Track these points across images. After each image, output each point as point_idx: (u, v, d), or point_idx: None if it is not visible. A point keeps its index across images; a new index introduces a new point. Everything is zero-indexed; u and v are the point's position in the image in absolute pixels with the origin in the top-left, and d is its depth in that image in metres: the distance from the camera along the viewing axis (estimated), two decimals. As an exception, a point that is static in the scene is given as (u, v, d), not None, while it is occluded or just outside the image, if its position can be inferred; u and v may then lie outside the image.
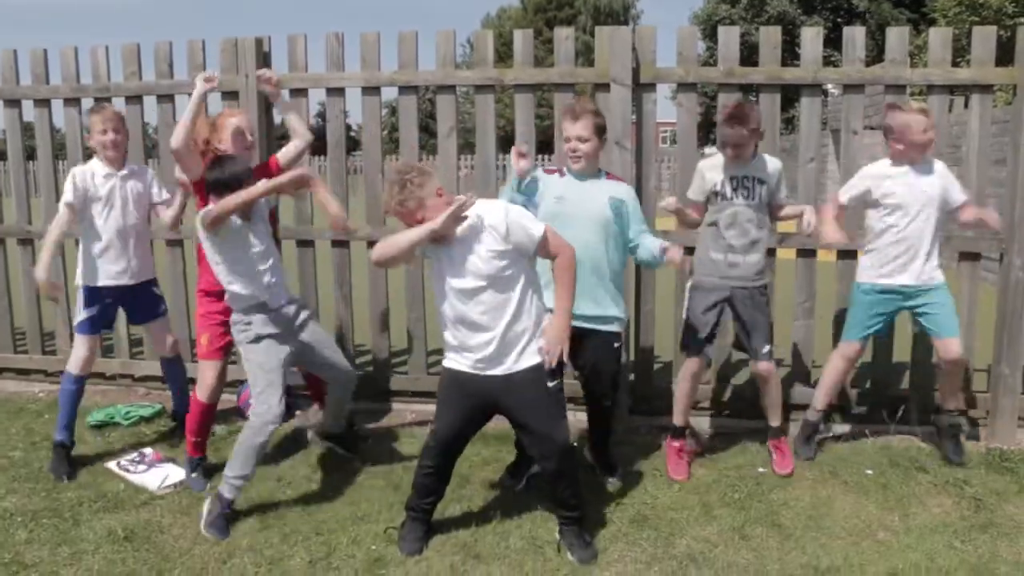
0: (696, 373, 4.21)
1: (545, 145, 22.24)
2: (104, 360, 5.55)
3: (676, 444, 4.24)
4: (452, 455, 3.51)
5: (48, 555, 3.43)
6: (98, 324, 4.41)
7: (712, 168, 4.09)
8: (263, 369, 3.72)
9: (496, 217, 3.23)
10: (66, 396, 4.32)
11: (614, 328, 3.86)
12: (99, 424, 4.83)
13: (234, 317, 3.77)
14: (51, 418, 4.99)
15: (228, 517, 3.63)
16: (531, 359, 3.31)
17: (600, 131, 3.76)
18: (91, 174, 4.30)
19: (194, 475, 4.10)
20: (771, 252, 4.54)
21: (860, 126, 4.60)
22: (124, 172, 4.38)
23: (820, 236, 4.19)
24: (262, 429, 3.66)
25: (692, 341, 4.16)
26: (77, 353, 4.36)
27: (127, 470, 4.19)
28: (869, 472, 4.19)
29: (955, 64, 4.52)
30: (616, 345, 3.89)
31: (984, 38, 4.44)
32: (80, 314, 4.36)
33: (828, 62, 4.84)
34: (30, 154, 6.01)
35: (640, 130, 4.75)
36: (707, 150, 23.21)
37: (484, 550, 3.45)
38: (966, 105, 4.99)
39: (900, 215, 4.12)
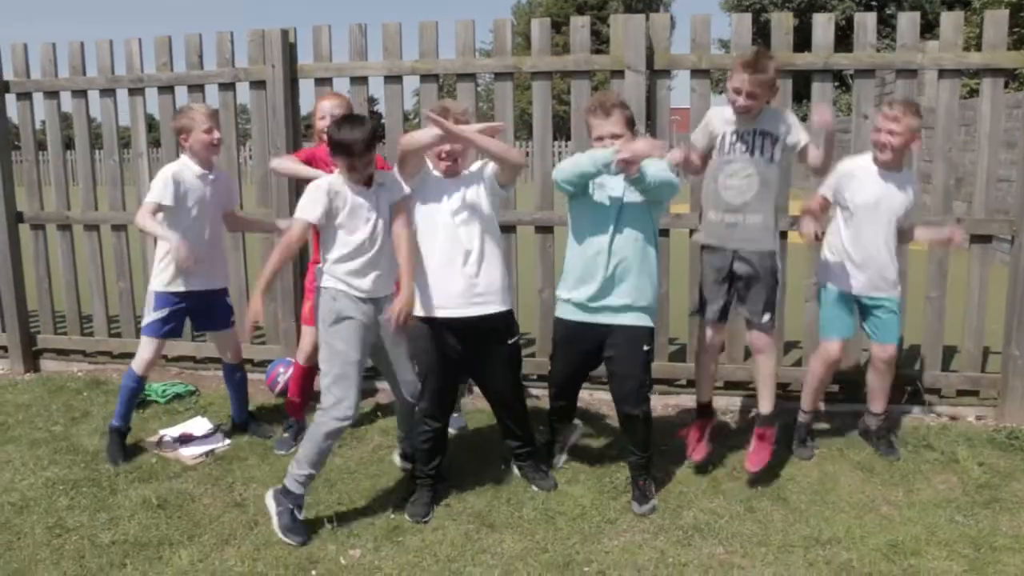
0: (710, 344, 4.02)
1: (560, 131, 22.34)
2: (138, 340, 5.76)
3: (698, 423, 4.16)
4: (446, 413, 3.78)
5: (88, 520, 3.64)
6: (166, 329, 4.28)
7: (720, 118, 3.89)
8: (340, 358, 3.45)
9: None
10: (126, 392, 4.33)
11: (635, 321, 3.66)
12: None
13: (322, 291, 3.54)
14: (89, 395, 5.27)
15: (298, 519, 3.48)
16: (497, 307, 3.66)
17: (631, 124, 3.65)
18: (187, 174, 4.16)
19: (286, 435, 4.45)
20: (782, 235, 4.61)
21: (871, 110, 4.66)
22: (213, 175, 4.28)
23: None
24: (331, 427, 3.45)
25: (701, 305, 4.02)
26: (141, 354, 4.29)
27: (165, 450, 4.41)
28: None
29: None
30: (646, 348, 3.69)
31: (996, 22, 4.47)
32: (149, 316, 4.27)
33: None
34: (68, 144, 6.24)
35: (654, 116, 4.85)
36: None
37: (498, 519, 3.61)
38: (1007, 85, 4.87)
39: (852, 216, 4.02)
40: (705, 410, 4.22)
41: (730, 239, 3.87)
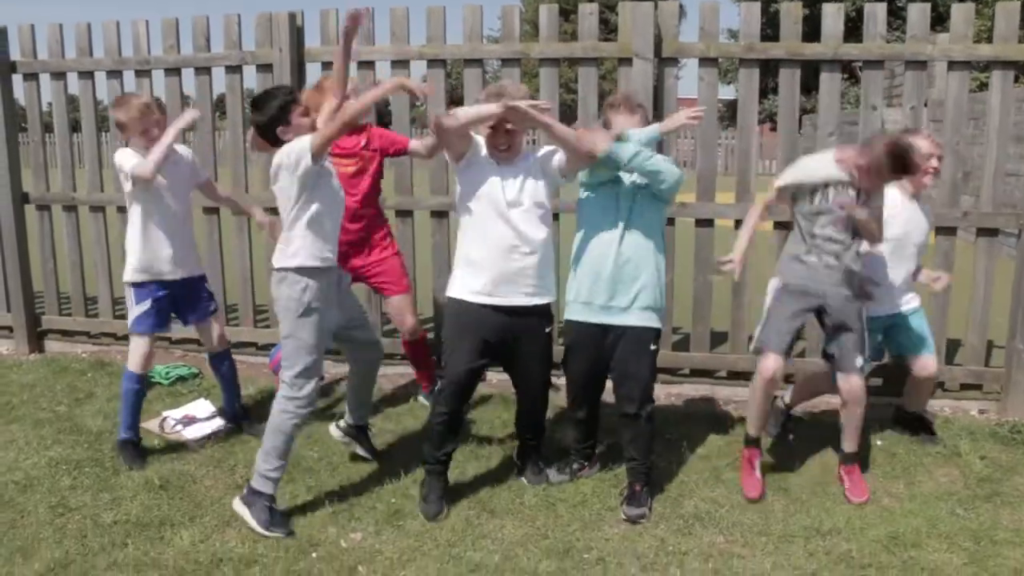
0: (773, 377, 3.70)
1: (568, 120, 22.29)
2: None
3: (747, 453, 3.89)
4: (464, 399, 3.67)
5: (90, 500, 3.66)
6: (153, 322, 4.09)
7: (822, 165, 3.75)
8: (305, 348, 3.44)
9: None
10: (129, 396, 4.09)
11: (644, 322, 3.59)
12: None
13: (290, 276, 3.42)
14: (93, 376, 5.30)
15: (277, 513, 3.45)
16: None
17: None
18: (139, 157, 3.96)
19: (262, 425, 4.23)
20: (784, 225, 4.60)
21: (880, 101, 4.64)
22: (170, 161, 4.02)
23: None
24: (296, 415, 3.45)
25: (772, 341, 3.74)
26: (136, 353, 4.08)
27: (168, 431, 4.42)
28: (879, 443, 4.28)
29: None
30: (653, 348, 3.63)
31: (1008, 14, 4.44)
32: (132, 311, 4.09)
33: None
34: (75, 126, 6.24)
35: (662, 104, 4.82)
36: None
37: (499, 506, 3.61)
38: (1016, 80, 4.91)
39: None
40: (755, 443, 3.90)
41: (826, 281, 3.74)
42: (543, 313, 3.63)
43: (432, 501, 3.57)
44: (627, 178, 3.55)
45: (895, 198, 4.00)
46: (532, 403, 3.82)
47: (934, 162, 4.02)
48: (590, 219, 3.64)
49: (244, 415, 4.49)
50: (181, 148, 4.24)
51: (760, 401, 3.83)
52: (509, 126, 3.44)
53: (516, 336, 3.59)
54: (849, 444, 3.85)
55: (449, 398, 3.58)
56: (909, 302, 4.21)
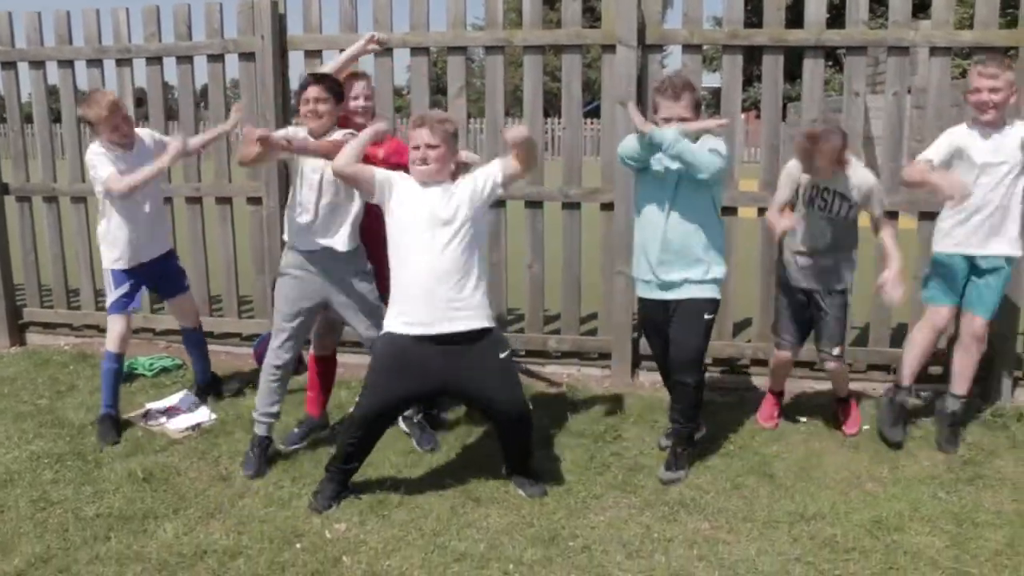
0: (783, 364, 4.29)
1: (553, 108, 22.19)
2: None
3: (772, 398, 4.40)
4: (373, 433, 3.55)
5: (72, 494, 3.63)
6: (129, 303, 4.34)
7: (793, 167, 3.97)
8: (277, 309, 3.87)
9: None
10: (109, 376, 4.29)
11: (695, 294, 3.70)
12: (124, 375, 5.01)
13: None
14: (75, 369, 5.26)
15: (260, 455, 3.84)
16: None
17: (698, 107, 3.67)
18: (109, 157, 4.13)
19: (296, 430, 4.18)
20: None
21: (863, 88, 4.64)
22: (134, 150, 4.23)
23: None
24: (267, 369, 3.88)
25: (782, 341, 4.20)
26: (113, 331, 4.30)
27: (151, 423, 4.39)
28: (865, 428, 4.29)
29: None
30: (707, 317, 3.71)
31: (987, 0, 4.45)
32: (111, 294, 4.30)
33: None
34: (55, 116, 6.18)
35: (646, 92, 4.80)
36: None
37: (484, 494, 3.61)
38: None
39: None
40: (779, 396, 4.45)
41: (802, 280, 4.06)
42: (482, 339, 3.44)
43: (322, 499, 3.50)
44: (662, 165, 3.63)
45: (965, 134, 3.96)
46: (511, 432, 3.59)
47: (984, 96, 3.82)
48: (641, 203, 3.78)
49: (216, 382, 4.81)
50: (143, 132, 4.39)
51: (778, 376, 4.38)
52: (428, 141, 3.39)
53: (460, 368, 3.41)
54: (839, 393, 4.32)
55: (360, 425, 3.48)
56: (990, 247, 3.96)
